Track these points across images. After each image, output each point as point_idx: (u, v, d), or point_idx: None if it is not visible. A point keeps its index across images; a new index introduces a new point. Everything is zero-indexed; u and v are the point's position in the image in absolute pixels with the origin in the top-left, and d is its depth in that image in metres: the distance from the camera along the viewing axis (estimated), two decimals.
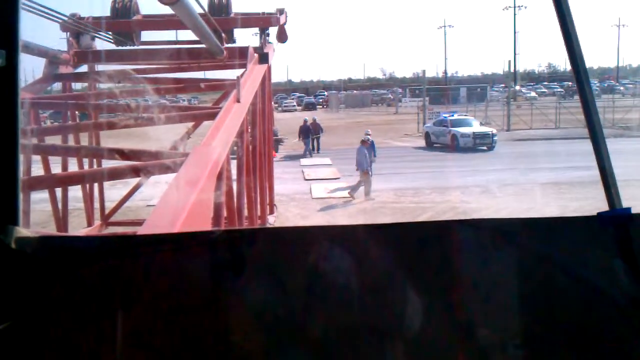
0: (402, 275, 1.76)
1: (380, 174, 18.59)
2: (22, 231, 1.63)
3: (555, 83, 67.97)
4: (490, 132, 27.86)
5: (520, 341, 1.75)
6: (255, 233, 2.37)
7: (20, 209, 1.65)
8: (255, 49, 10.74)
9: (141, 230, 3.79)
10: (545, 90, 62.78)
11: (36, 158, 8.60)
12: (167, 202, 4.31)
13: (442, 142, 28.33)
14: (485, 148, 27.05)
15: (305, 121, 28.97)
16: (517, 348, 1.74)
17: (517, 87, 47.71)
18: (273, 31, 12.34)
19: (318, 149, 28.71)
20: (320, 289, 1.75)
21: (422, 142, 29.70)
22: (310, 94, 75.63)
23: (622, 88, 58.31)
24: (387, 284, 1.76)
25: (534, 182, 16.98)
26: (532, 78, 79.56)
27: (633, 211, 1.76)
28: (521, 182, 17.34)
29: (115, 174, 6.61)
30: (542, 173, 18.04)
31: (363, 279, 1.75)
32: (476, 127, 28.70)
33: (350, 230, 1.93)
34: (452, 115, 30.41)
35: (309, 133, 28.24)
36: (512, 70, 46.81)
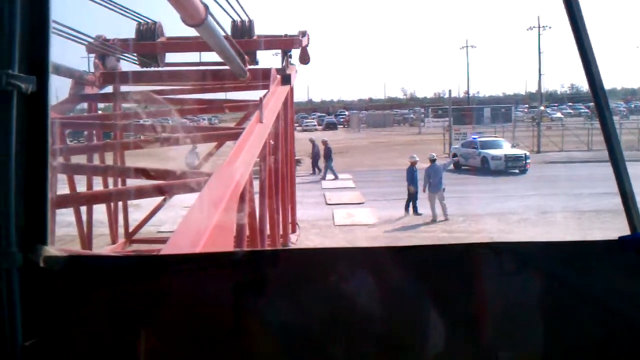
0: (423, 298, 1.76)
1: (405, 199, 17.52)
2: (50, 250, 1.65)
3: (580, 104, 67.46)
4: (523, 155, 26.51)
5: None
6: (277, 254, 2.41)
7: (49, 229, 1.67)
8: (278, 71, 10.83)
9: (164, 250, 3.81)
10: (571, 111, 62.23)
11: (61, 177, 8.75)
12: (191, 221, 4.34)
13: (471, 165, 27.14)
14: (517, 171, 25.76)
15: (314, 144, 27.51)
16: None
17: (542, 108, 47.24)
18: (296, 53, 12.44)
19: (325, 175, 26.20)
20: (341, 311, 1.75)
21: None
22: (331, 113, 75.96)
23: None
24: (408, 307, 1.76)
25: (574, 210, 15.90)
26: (555, 99, 78.97)
27: None
28: (560, 209, 16.30)
29: (140, 193, 6.69)
30: (582, 200, 16.81)
31: (384, 301, 1.76)
32: (507, 149, 27.51)
33: (371, 253, 1.94)
34: (479, 136, 29.29)
35: (318, 157, 26.86)
36: (537, 90, 46.30)
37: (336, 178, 25.47)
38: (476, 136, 29.37)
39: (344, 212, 17.36)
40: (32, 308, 1.61)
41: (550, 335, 1.73)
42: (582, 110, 59.71)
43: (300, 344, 1.75)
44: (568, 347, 1.73)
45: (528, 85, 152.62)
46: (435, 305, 1.75)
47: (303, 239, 13.59)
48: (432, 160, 17.46)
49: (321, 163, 27.16)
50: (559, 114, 58.49)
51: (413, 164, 17.52)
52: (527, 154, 27.01)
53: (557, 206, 16.67)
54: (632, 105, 60.73)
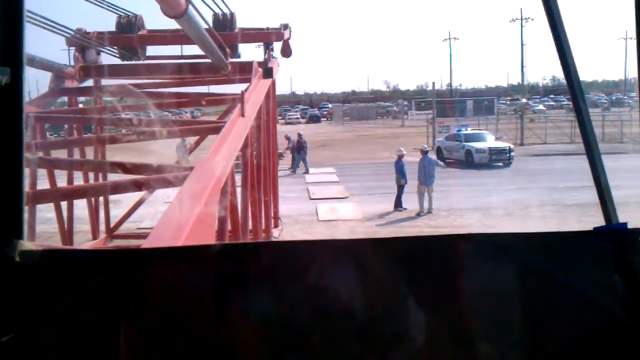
0: (404, 289, 1.76)
1: (390, 193, 17.22)
2: (25, 244, 1.65)
3: (562, 96, 67.99)
4: (507, 147, 26.28)
5: (519, 356, 1.76)
6: (259, 247, 2.39)
7: (25, 223, 1.67)
8: (260, 64, 10.79)
9: (145, 244, 3.80)
10: (553, 104, 62.71)
11: (42, 172, 8.65)
12: (171, 215, 4.32)
13: (455, 158, 26.81)
14: (501, 164, 25.58)
15: (289, 139, 27.18)
16: None
17: (524, 100, 47.55)
18: (277, 46, 12.40)
19: (307, 170, 26.09)
20: (324, 303, 1.75)
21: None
22: (314, 106, 75.84)
23: (630, 101, 58.15)
24: (389, 298, 1.76)
25: (559, 204, 15.63)
26: (537, 91, 79.55)
27: (629, 226, 1.77)
28: (545, 202, 16.08)
29: (118, 188, 6.63)
30: (567, 193, 16.43)
31: (366, 292, 1.76)
32: (491, 141, 27.21)
33: (353, 244, 1.94)
34: (465, 129, 28.98)
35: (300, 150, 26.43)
36: (518, 83, 46.56)
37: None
38: (463, 129, 28.97)
39: (328, 207, 17.21)
40: (8, 303, 1.60)
41: (529, 325, 1.75)
42: (564, 103, 60.19)
43: (282, 336, 1.75)
44: (546, 337, 1.75)
45: (510, 77, 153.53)
46: (416, 296, 1.76)
47: (286, 235, 13.40)
48: (425, 152, 17.32)
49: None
50: (541, 106, 58.91)
51: (400, 157, 17.27)
52: (511, 146, 26.87)
53: (541, 200, 16.50)
54: (614, 98, 61.37)
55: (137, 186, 6.20)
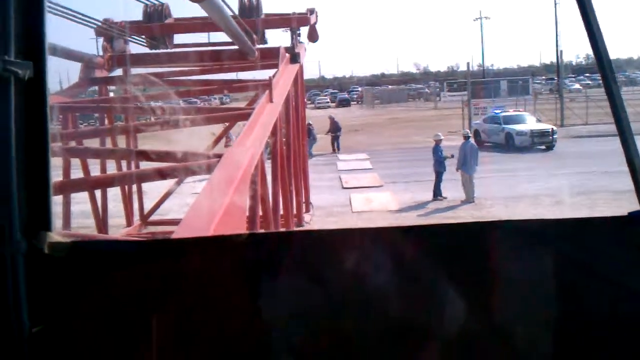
0: (437, 276, 1.76)
1: (427, 181, 16.32)
2: (54, 236, 1.65)
3: (598, 74, 66.00)
4: (549, 129, 24.74)
5: (553, 342, 1.74)
6: (291, 235, 2.41)
7: (53, 214, 1.67)
8: (287, 49, 10.73)
9: (175, 234, 3.82)
10: (590, 82, 61.17)
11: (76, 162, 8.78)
12: (202, 204, 4.31)
13: (495, 141, 25.73)
14: (543, 147, 24.17)
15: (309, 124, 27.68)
16: (551, 349, 1.74)
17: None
18: (304, 31, 12.31)
19: (339, 148, 27.45)
20: (355, 291, 1.75)
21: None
22: (344, 89, 75.48)
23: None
24: (421, 285, 1.76)
25: (612, 190, 13.86)
26: (572, 70, 77.74)
27: None
28: (596, 189, 14.83)
29: (151, 176, 6.66)
30: (619, 177, 13.82)
31: (398, 280, 1.75)
32: (532, 123, 25.87)
33: (385, 232, 1.94)
34: (501, 110, 27.70)
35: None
36: (555, 61, 45.35)
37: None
38: (498, 111, 27.80)
39: (362, 197, 16.41)
40: (38, 295, 1.61)
41: (560, 311, 1.73)
42: (600, 82, 58.33)
43: (314, 325, 1.75)
44: (578, 323, 1.73)
45: (542, 56, 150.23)
46: (449, 284, 1.74)
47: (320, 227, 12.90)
48: (467, 137, 16.44)
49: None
50: (577, 85, 57.55)
51: (438, 142, 16.47)
52: (554, 128, 25.51)
53: (592, 185, 15.32)
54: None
55: (163, 175, 6.20)
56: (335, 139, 28.07)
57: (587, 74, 70.37)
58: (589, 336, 1.73)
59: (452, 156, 16.08)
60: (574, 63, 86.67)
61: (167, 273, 1.74)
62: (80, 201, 9.67)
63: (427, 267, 1.76)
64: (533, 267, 1.75)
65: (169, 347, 1.72)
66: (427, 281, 1.76)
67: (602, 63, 1.79)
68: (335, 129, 28.33)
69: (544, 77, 67.39)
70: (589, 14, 1.76)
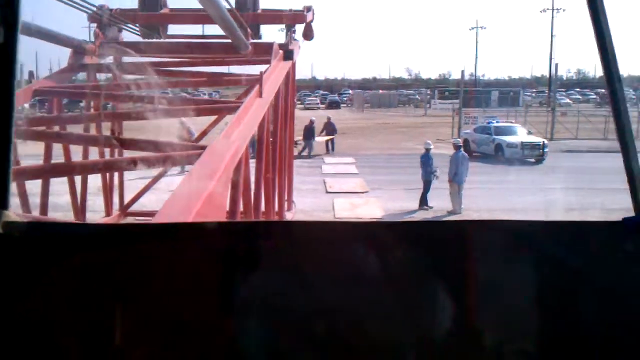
0: (418, 273, 1.73)
1: (414, 189, 16.30)
2: (10, 215, 1.61)
3: (588, 89, 66.69)
4: (540, 143, 24.96)
5: (536, 348, 1.71)
6: (271, 226, 2.34)
7: (10, 194, 1.63)
8: (281, 46, 10.70)
9: (154, 221, 3.76)
10: (580, 97, 61.63)
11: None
12: (182, 192, 4.28)
13: (484, 151, 25.71)
14: (533, 160, 24.32)
15: (312, 121, 27.27)
16: (533, 356, 1.71)
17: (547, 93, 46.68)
18: (300, 28, 12.28)
19: (333, 149, 27.72)
20: (335, 284, 1.72)
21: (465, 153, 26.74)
22: (335, 91, 75.53)
23: None
24: (401, 281, 1.73)
25: (604, 208, 13.56)
26: (562, 84, 78.32)
27: None
28: (589, 205, 14.59)
29: (110, 166, 6.45)
30: (611, 195, 13.60)
31: (377, 275, 1.72)
32: (523, 135, 26.03)
33: (367, 226, 1.94)
34: (496, 121, 27.67)
35: (311, 135, 26.78)
36: (547, 74, 45.66)
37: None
38: (494, 121, 27.72)
39: (346, 203, 16.29)
40: None
41: (546, 316, 1.70)
42: (591, 97, 58.93)
43: (292, 317, 1.71)
44: (564, 330, 1.70)
45: (534, 69, 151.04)
46: (430, 281, 1.72)
47: None
48: (458, 147, 16.39)
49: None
50: (567, 100, 57.96)
51: (428, 151, 16.46)
52: (545, 142, 25.51)
53: (583, 202, 15.04)
54: None
55: (154, 164, 6.11)
56: (330, 140, 28.33)
57: (578, 89, 70.96)
58: (578, 342, 1.70)
59: (438, 177, 16.07)
60: (564, 77, 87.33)
61: (129, 259, 1.68)
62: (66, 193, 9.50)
63: (407, 263, 1.74)
64: (518, 268, 1.72)
65: (132, 339, 1.65)
66: (405, 277, 1.73)
67: (609, 71, 1.77)
68: (331, 131, 28.67)
69: (534, 90, 67.81)
70: (601, 20, 1.75)
